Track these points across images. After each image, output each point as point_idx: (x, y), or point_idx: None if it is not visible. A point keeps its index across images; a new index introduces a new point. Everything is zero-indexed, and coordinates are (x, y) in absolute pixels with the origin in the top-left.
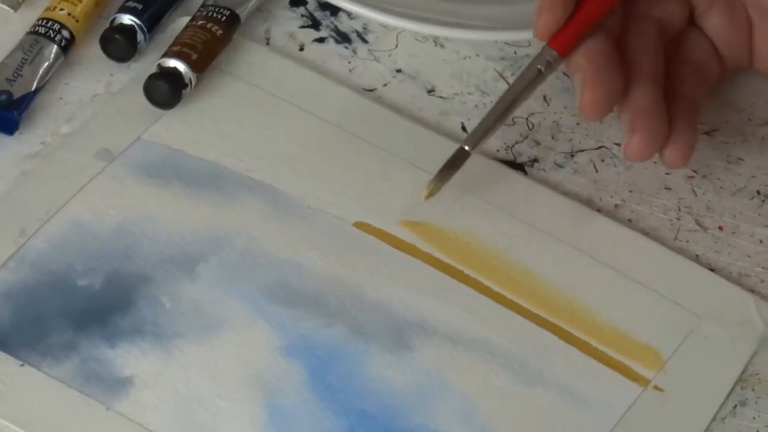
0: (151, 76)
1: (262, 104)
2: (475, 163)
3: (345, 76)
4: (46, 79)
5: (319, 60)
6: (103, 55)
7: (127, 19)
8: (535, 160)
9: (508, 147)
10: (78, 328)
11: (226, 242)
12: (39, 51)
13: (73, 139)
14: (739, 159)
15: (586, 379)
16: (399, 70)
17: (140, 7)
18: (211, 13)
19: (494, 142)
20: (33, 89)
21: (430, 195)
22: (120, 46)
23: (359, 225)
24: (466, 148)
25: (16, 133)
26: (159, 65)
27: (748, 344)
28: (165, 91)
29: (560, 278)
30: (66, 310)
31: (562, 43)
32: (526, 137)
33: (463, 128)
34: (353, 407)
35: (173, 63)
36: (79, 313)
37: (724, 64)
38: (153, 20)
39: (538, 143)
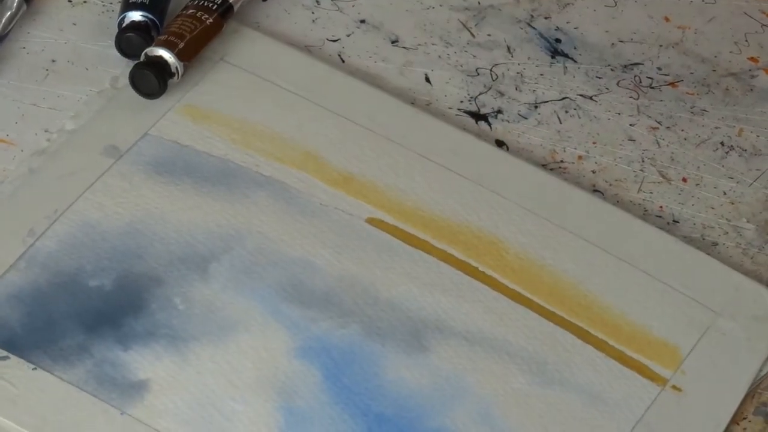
0: (137, 65)
1: (265, 95)
2: (496, 157)
3: (308, 26)
4: (9, 28)
5: (282, 10)
6: (66, 5)
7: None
8: (499, 111)
9: (471, 98)
10: (90, 330)
11: (237, 241)
12: (1, 0)
13: (79, 135)
14: (703, 110)
15: (605, 380)
16: (363, 21)
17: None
18: (202, 1)
19: (458, 93)
20: None
21: None
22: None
23: (372, 221)
24: None
25: None
26: (145, 54)
27: (764, 341)
28: (151, 80)
29: (576, 273)
30: (78, 312)
31: None
32: (490, 88)
33: (427, 79)
34: (370, 410)
35: (159, 52)
36: (91, 315)
37: None
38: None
39: (501, 94)
